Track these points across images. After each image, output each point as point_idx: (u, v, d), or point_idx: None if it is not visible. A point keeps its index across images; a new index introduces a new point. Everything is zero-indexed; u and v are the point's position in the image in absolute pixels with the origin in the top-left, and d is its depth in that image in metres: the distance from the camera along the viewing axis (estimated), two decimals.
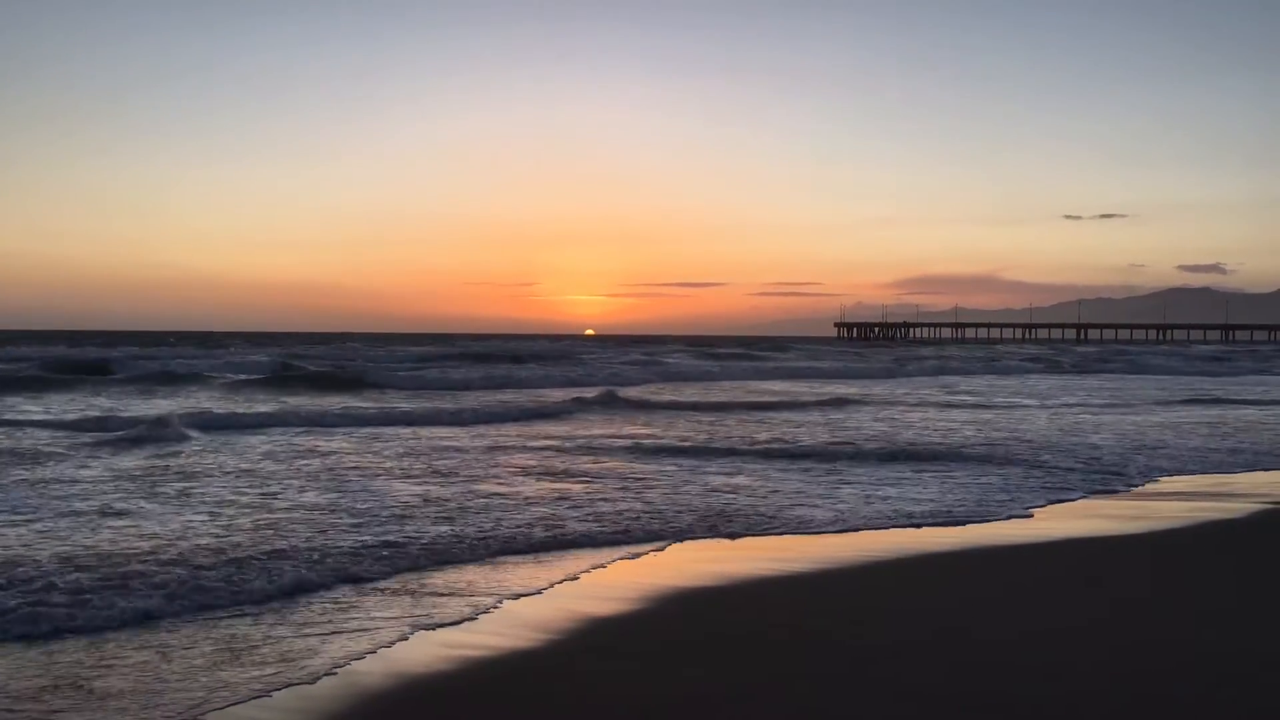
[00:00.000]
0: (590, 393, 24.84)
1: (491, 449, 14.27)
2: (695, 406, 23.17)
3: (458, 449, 14.21)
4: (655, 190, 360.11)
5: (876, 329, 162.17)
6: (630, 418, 20.03)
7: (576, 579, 7.02)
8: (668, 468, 12.56)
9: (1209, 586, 6.95)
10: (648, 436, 16.31)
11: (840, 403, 24.28)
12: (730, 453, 14.05)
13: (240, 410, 19.77)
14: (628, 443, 15.19)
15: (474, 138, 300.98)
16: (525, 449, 14.37)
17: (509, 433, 16.82)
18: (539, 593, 6.61)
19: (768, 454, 13.93)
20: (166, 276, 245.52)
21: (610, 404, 22.63)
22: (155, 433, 14.76)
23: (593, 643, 5.58)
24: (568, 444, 15.06)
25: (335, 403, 21.93)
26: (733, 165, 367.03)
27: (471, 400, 23.43)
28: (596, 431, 17.08)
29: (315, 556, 7.31)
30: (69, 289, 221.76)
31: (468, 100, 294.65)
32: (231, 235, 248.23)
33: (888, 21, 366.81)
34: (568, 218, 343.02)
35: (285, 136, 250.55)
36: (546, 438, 15.99)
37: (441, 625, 5.83)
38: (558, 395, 25.55)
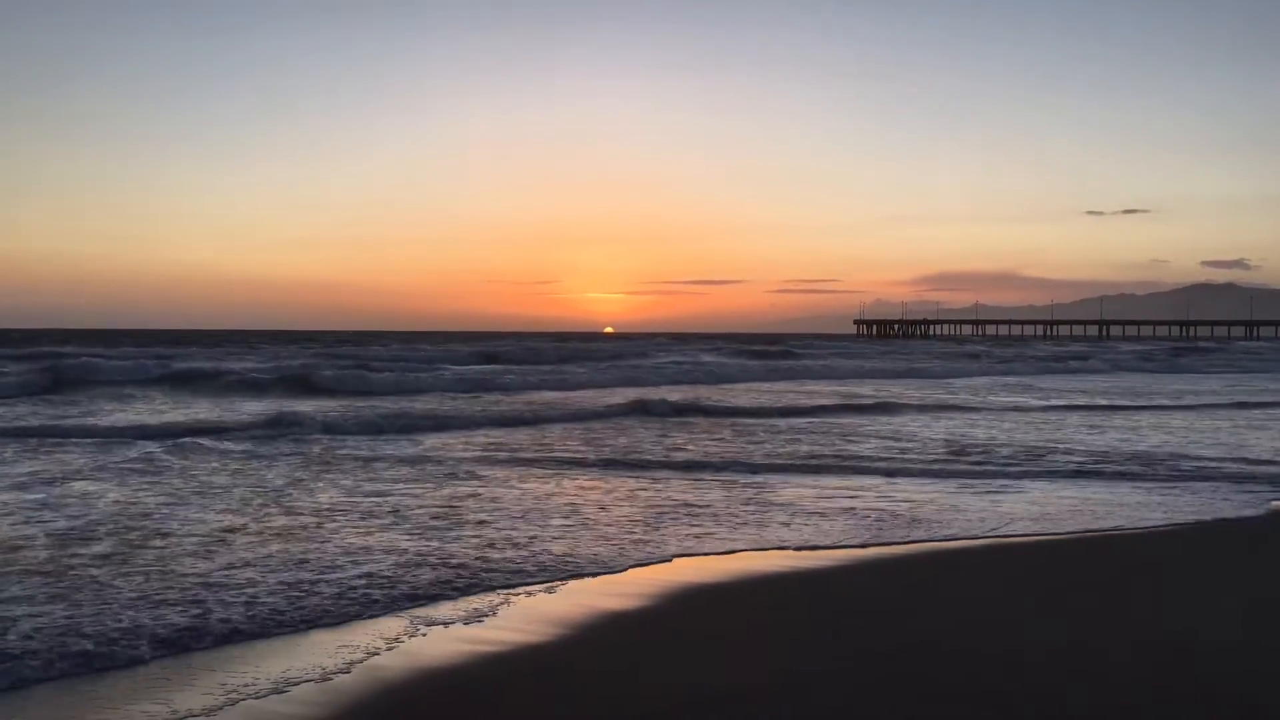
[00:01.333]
0: (649, 394, 23.76)
1: (569, 461, 12.81)
2: (767, 411, 20.84)
3: (548, 461, 13.00)
4: (673, 187, 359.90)
5: (896, 326, 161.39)
6: (706, 423, 18.18)
7: (594, 575, 6.95)
8: (828, 482, 11.01)
9: None
10: (745, 443, 14.79)
11: (937, 408, 22.11)
12: (885, 471, 11.95)
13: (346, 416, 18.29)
14: (721, 449, 13.89)
15: (493, 135, 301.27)
16: (609, 460, 12.96)
17: (587, 434, 16.02)
18: (553, 590, 6.57)
19: (917, 471, 12.00)
20: (189, 275, 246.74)
21: (678, 410, 20.32)
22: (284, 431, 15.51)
23: (609, 639, 5.57)
24: (655, 450, 13.86)
25: (405, 406, 20.98)
26: (750, 162, 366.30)
27: (528, 402, 22.55)
28: (680, 437, 15.66)
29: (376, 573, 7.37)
30: (95, 288, 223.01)
31: (487, 98, 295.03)
32: (251, 235, 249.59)
33: (907, 16, 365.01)
34: (586, 215, 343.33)
35: (305, 136, 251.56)
36: (626, 440, 15.22)
37: (459, 621, 5.83)
38: (607, 398, 23.70)
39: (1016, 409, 22.25)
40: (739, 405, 22.32)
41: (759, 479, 11.34)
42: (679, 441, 15.14)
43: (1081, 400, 25.24)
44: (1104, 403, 24.25)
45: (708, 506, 9.51)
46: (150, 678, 4.87)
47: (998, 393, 28.30)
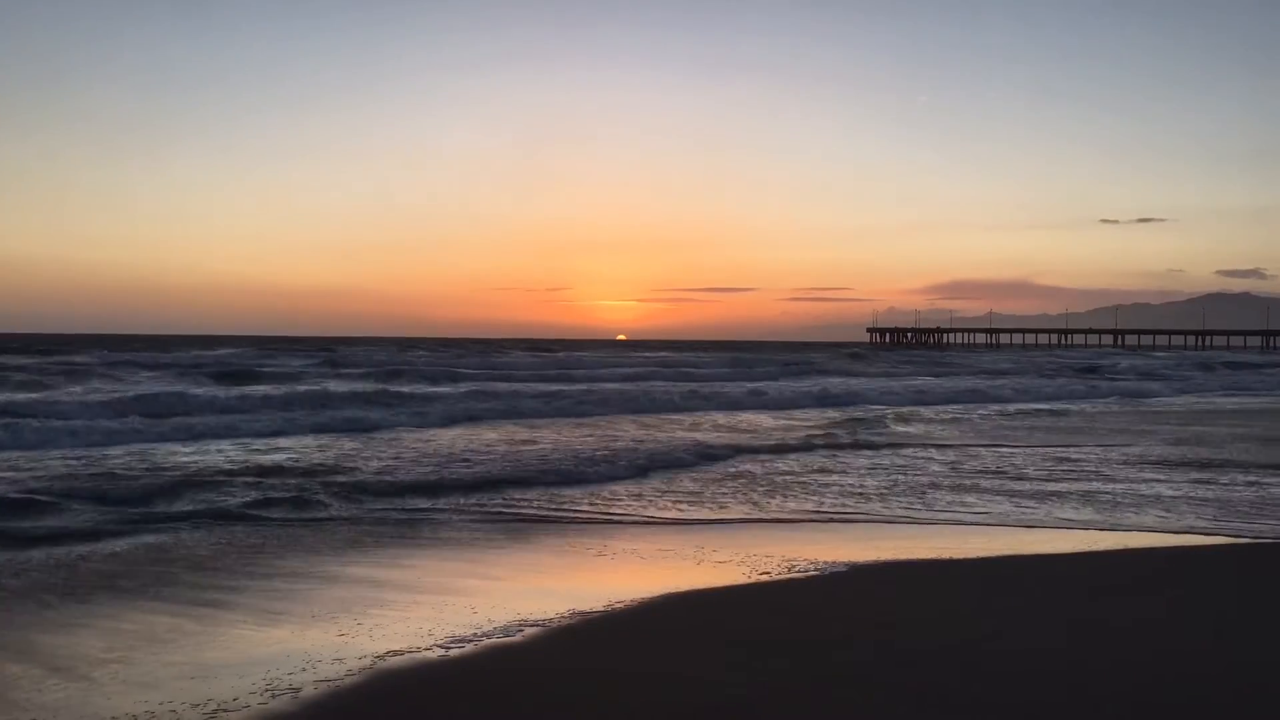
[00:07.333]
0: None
1: None
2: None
3: None
4: (685, 195, 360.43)
5: (910, 334, 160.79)
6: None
7: (589, 575, 7.08)
8: None
9: None
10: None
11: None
12: None
13: None
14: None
15: (504, 140, 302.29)
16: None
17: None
18: (550, 591, 6.69)
19: None
20: (189, 282, 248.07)
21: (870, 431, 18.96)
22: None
23: (598, 640, 5.61)
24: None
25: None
26: (762, 170, 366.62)
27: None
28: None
29: None
30: (105, 295, 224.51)
31: (498, 102, 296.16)
32: (254, 240, 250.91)
33: (920, 24, 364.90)
34: (597, 222, 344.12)
35: (311, 139, 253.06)
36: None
37: (453, 620, 5.91)
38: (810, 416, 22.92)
39: None
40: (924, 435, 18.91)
41: None
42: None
43: None
44: None
45: None
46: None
47: None
